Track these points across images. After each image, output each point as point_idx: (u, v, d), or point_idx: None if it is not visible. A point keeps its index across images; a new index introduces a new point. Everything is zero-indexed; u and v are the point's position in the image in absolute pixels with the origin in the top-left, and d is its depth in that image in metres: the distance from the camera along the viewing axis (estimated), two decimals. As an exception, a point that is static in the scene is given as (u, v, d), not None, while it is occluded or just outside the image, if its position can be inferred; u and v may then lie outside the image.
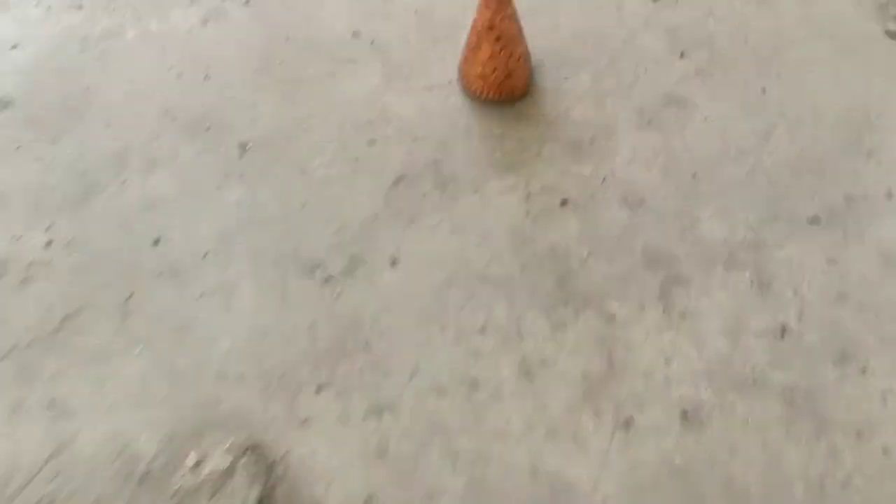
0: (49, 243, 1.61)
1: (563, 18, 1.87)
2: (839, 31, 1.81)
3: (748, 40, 1.81)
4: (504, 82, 1.69)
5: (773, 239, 1.60)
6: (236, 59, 1.88)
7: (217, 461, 1.34)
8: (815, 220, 1.62)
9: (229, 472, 1.32)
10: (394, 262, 1.63)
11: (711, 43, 1.81)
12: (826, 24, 1.82)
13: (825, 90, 1.75)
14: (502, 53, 1.61)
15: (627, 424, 1.40)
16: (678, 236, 1.62)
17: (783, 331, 1.52)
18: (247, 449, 1.36)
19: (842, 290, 1.55)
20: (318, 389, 1.44)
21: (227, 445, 1.36)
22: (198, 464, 1.33)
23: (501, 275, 1.60)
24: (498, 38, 1.58)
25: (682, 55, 1.80)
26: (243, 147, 1.76)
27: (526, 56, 1.72)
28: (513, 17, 1.58)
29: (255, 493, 1.30)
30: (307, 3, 1.94)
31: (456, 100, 1.78)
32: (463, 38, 1.85)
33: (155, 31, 1.94)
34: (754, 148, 1.69)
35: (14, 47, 1.91)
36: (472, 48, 1.64)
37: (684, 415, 1.41)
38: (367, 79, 1.83)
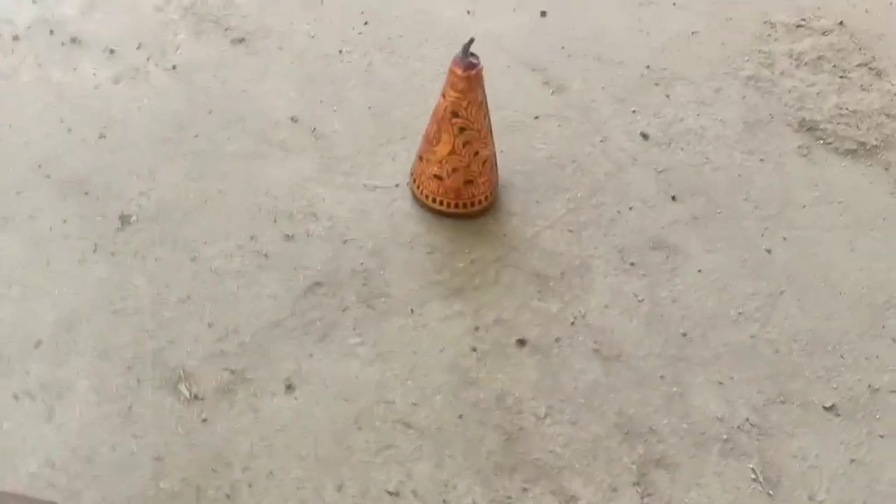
0: None
1: (539, 140, 1.83)
2: (854, 200, 1.80)
3: (749, 195, 1.77)
4: (463, 189, 1.58)
5: (781, 426, 1.43)
6: (143, 122, 1.76)
7: None
8: (833, 410, 1.46)
9: None
10: (289, 387, 1.39)
11: (708, 191, 1.77)
12: (838, 191, 1.81)
13: (840, 262, 1.68)
14: (465, 150, 1.53)
15: None
16: (663, 405, 1.43)
17: (795, 547, 1.29)
18: None
19: (870, 500, 1.35)
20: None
21: None
22: None
23: (430, 423, 1.37)
24: (462, 130, 1.49)
25: (673, 198, 1.75)
26: (125, 219, 1.58)
27: (492, 162, 1.64)
28: (482, 106, 1.51)
29: None
30: (245, 79, 1.88)
31: (402, 204, 1.66)
32: (418, 140, 1.77)
33: (55, 80, 1.84)
34: (758, 313, 1.57)
35: None
36: (430, 140, 1.55)
37: None
38: (298, 166, 1.71)
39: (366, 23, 2.06)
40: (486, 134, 1.58)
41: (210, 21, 2.00)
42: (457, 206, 1.61)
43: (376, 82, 1.92)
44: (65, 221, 1.57)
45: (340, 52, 1.97)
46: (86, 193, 1.62)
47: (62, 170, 1.65)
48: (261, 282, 1.51)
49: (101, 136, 1.73)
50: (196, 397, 1.35)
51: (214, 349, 1.41)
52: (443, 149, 1.53)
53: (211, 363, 1.40)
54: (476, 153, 1.54)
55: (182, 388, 1.36)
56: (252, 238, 1.57)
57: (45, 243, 1.54)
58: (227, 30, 1.99)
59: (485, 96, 1.55)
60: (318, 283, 1.52)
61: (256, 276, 1.52)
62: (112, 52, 1.91)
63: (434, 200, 1.61)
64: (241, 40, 1.97)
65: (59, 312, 1.43)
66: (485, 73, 1.96)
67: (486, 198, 1.64)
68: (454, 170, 1.55)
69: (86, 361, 1.37)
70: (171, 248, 1.54)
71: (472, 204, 1.62)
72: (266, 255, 1.55)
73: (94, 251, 1.53)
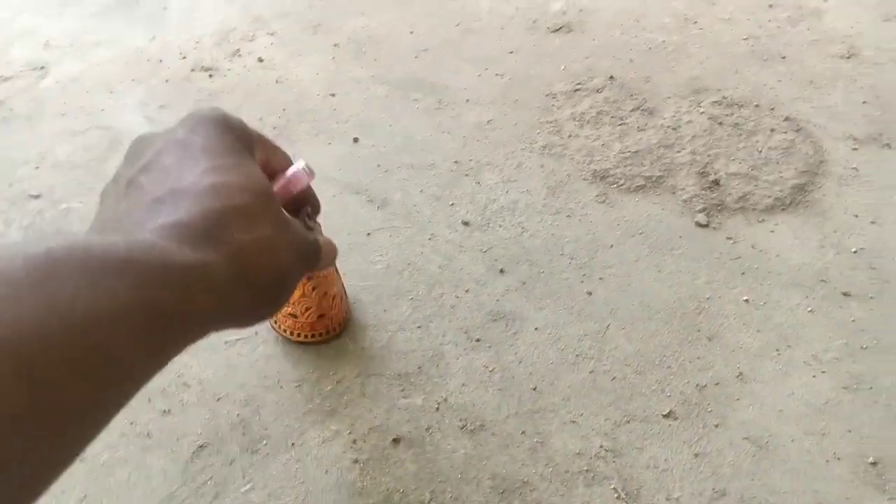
0: None
1: (375, 253, 2.07)
2: (652, 229, 2.10)
3: (564, 250, 2.05)
4: (317, 322, 1.79)
5: (630, 443, 1.66)
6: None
7: None
8: (671, 415, 1.70)
9: None
10: (194, 548, 1.53)
11: (528, 257, 2.04)
12: (637, 225, 2.11)
13: (651, 285, 1.96)
14: (315, 293, 1.74)
15: None
16: (528, 458, 1.64)
17: (664, 545, 1.51)
18: None
19: (717, 485, 1.59)
20: None
21: None
22: None
23: (329, 539, 1.53)
24: (309, 278, 1.71)
25: (501, 272, 2.00)
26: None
27: (341, 295, 1.85)
28: None
29: None
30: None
31: (264, 349, 1.85)
32: (269, 287, 1.99)
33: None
34: (591, 350, 1.82)
35: None
36: None
37: None
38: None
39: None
40: (331, 274, 1.80)
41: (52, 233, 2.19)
42: (313, 336, 1.82)
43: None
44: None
45: (179, 226, 2.19)
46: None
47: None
48: (148, 462, 1.66)
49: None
50: (111, 585, 1.49)
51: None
52: (295, 294, 1.75)
53: (118, 549, 1.54)
54: (325, 293, 1.76)
55: (96, 580, 1.49)
56: (132, 423, 1.73)
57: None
58: (69, 236, 2.18)
59: None
60: (201, 446, 1.69)
61: (143, 457, 1.67)
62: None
63: (292, 334, 1.82)
64: None
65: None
66: (313, 210, 2.22)
67: (339, 325, 1.85)
68: (307, 309, 1.77)
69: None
70: (58, 455, 1.68)
71: (328, 332, 1.84)
72: (148, 435, 1.71)
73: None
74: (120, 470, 1.65)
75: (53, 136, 2.52)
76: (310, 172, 0.62)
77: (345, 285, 1.92)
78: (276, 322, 1.85)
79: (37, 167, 2.40)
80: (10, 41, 2.97)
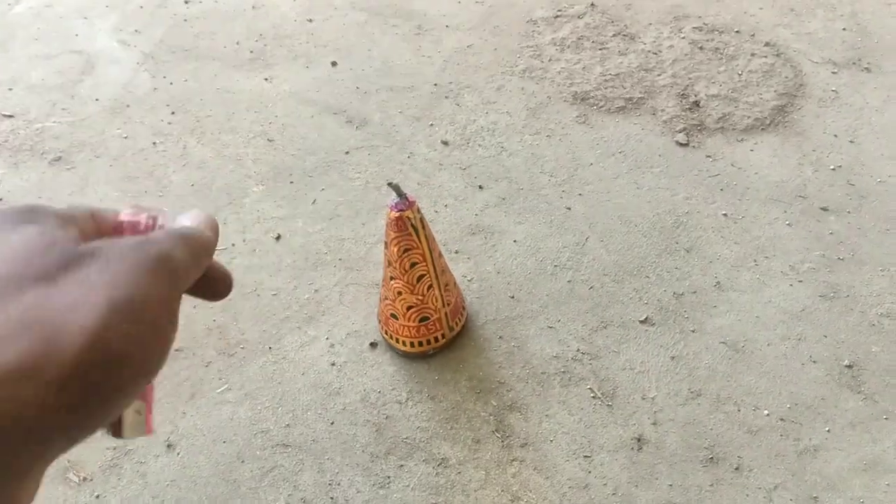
0: None
1: (353, 171, 2.05)
2: (631, 148, 2.09)
3: (543, 168, 2.04)
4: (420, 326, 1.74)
5: (607, 347, 1.66)
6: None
7: None
8: (647, 321, 1.70)
9: None
10: (169, 446, 1.53)
11: (508, 174, 2.02)
12: (617, 144, 2.10)
13: (630, 201, 1.95)
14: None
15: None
16: (506, 360, 1.64)
17: (640, 441, 1.52)
18: None
19: (693, 386, 1.60)
20: None
21: None
22: None
23: (306, 438, 1.54)
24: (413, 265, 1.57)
25: (480, 188, 1.99)
26: None
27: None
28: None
29: None
30: (68, 192, 2.02)
31: (241, 260, 1.84)
32: (245, 202, 1.96)
33: None
34: (570, 261, 1.82)
35: None
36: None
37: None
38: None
39: (173, 113, 2.25)
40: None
41: (25, 150, 2.14)
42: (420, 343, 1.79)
43: (193, 162, 2.10)
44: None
45: (154, 144, 2.15)
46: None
47: None
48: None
49: None
50: (85, 479, 1.48)
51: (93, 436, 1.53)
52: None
53: (92, 447, 1.53)
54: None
55: (70, 476, 1.48)
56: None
57: None
58: (42, 154, 2.13)
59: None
60: (177, 350, 1.67)
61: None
62: (-65, 203, 2.03)
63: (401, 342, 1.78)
64: (58, 159, 2.12)
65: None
66: (293, 126, 2.19)
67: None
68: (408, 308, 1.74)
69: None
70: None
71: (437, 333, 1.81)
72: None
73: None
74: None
75: (27, 59, 2.46)
76: (148, 218, 0.30)
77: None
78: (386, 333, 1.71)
79: (10, 89, 2.35)
80: (-21, -32, 2.89)
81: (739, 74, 2.32)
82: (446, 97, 2.28)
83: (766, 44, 2.44)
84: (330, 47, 2.48)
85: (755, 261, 1.84)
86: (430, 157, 2.09)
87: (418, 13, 2.60)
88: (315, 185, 2.03)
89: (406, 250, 1.50)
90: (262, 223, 1.93)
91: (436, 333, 1.62)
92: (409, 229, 1.48)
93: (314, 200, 1.99)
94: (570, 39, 2.43)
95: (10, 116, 2.25)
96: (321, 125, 2.21)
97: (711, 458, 1.51)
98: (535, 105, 2.23)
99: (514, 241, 1.88)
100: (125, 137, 2.18)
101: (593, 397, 1.59)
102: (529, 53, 2.40)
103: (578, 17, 2.52)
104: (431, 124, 2.19)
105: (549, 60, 2.36)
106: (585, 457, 1.50)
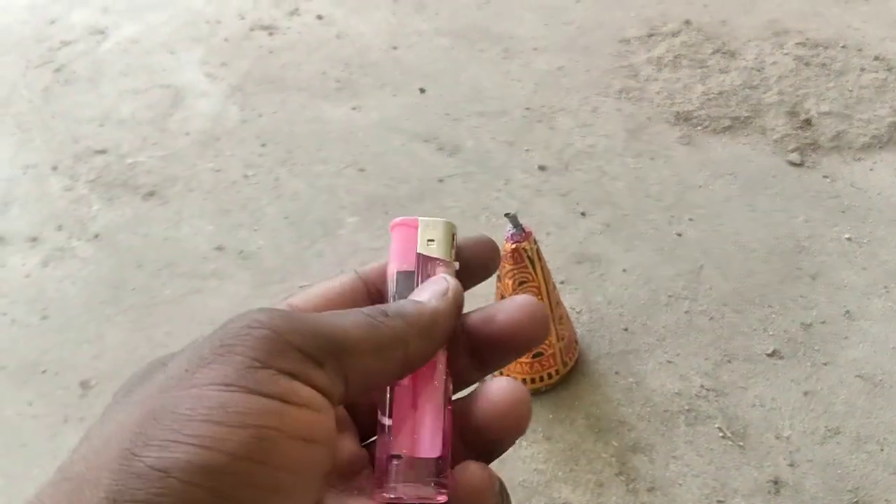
0: None
1: (448, 199, 2.02)
2: (742, 169, 2.01)
3: (649, 192, 1.97)
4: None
5: (733, 382, 1.58)
6: (80, 294, 1.90)
7: None
8: (775, 354, 1.62)
9: None
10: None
11: (611, 199, 1.96)
12: (726, 166, 2.02)
13: (745, 225, 1.87)
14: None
15: None
16: (623, 398, 1.57)
17: (776, 484, 1.43)
18: None
19: (830, 424, 1.50)
20: None
21: None
22: None
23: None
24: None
25: (583, 215, 1.93)
26: (85, 385, 1.70)
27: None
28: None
29: None
30: (164, 227, 2.04)
31: (340, 293, 1.81)
32: (340, 233, 1.95)
33: (-14, 282, 1.97)
34: (685, 291, 1.74)
35: None
36: None
37: None
38: (234, 290, 1.86)
39: (263, 144, 2.26)
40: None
41: (118, 185, 2.18)
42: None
43: (286, 194, 2.10)
44: (30, 404, 1.68)
45: (246, 176, 2.16)
46: (43, 372, 1.74)
47: (14, 359, 1.77)
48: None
49: (44, 318, 1.86)
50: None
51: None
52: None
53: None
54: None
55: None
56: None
57: (16, 430, 1.64)
58: (136, 188, 2.16)
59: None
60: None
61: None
62: (35, 239, 2.06)
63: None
64: (152, 194, 2.14)
65: (45, 488, 1.53)
66: (384, 155, 2.18)
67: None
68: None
69: (82, 525, 1.47)
70: (135, 398, 1.66)
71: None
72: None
73: (65, 422, 1.64)
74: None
75: (116, 95, 2.52)
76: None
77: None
78: None
79: (101, 125, 2.40)
80: (69, 6, 2.99)
81: (850, 90, 2.22)
82: (539, 121, 2.23)
83: (876, 58, 2.34)
84: (416, 74, 2.46)
85: (886, 287, 1.73)
86: (527, 184, 2.04)
87: (505, 36, 2.58)
88: (410, 214, 2.00)
89: (521, 283, 1.45)
90: (359, 255, 1.91)
91: (549, 370, 1.56)
92: (525, 261, 1.43)
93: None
94: (666, 58, 2.37)
95: (103, 152, 2.29)
96: (412, 153, 2.18)
97: (856, 501, 1.40)
98: (635, 126, 2.17)
99: (623, 269, 1.81)
100: (217, 171, 2.19)
101: (723, 437, 1.50)
102: (624, 73, 2.35)
103: (673, 35, 2.46)
104: (526, 149, 2.15)
105: (646, 80, 2.31)
106: (719, 501, 1.41)
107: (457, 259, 0.35)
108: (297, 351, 0.27)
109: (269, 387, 0.26)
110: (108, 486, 0.23)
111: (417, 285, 0.33)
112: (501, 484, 0.33)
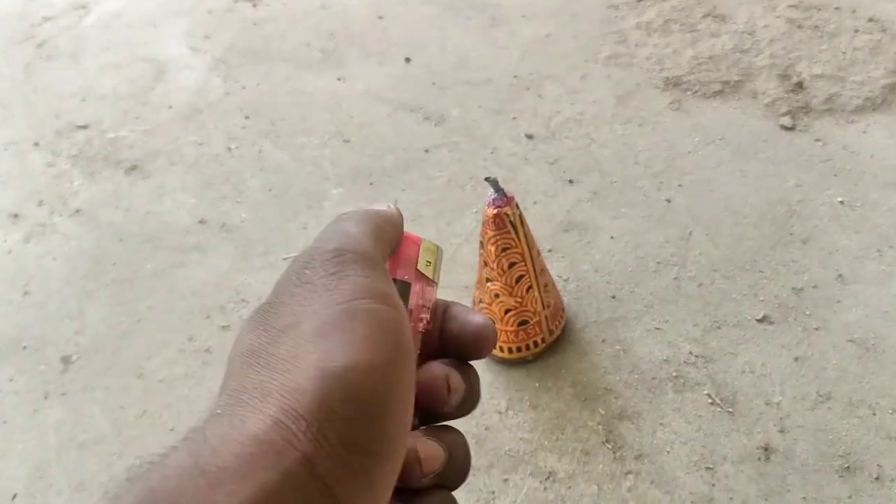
0: None
1: (434, 169, 1.98)
2: (733, 134, 1.97)
3: (637, 158, 1.93)
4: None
5: (723, 348, 1.55)
6: (61, 269, 1.87)
7: None
8: (766, 320, 1.58)
9: None
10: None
11: (599, 167, 1.92)
12: (717, 131, 1.98)
13: (736, 190, 1.83)
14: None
15: None
16: (610, 365, 1.54)
17: (767, 450, 1.40)
18: None
19: (821, 389, 1.47)
20: None
21: None
22: None
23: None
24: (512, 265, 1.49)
25: (570, 182, 1.89)
26: (66, 360, 1.67)
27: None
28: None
29: None
30: (146, 201, 2.00)
31: (323, 265, 1.77)
32: (325, 205, 1.91)
33: (-34, 260, 1.94)
34: (674, 257, 1.71)
35: None
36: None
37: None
38: (217, 263, 1.82)
39: (247, 117, 2.22)
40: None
41: (100, 160, 2.14)
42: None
43: (270, 166, 2.06)
44: (11, 380, 1.66)
45: (229, 149, 2.12)
46: (24, 348, 1.71)
47: (-5, 336, 1.75)
48: (209, 376, 1.60)
49: (26, 293, 1.83)
50: None
51: (182, 450, 1.49)
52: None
53: (182, 464, 1.48)
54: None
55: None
56: (190, 339, 1.67)
57: (-3, 407, 1.62)
58: (118, 163, 2.12)
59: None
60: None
61: (204, 372, 1.61)
62: (16, 216, 2.03)
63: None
64: (134, 168, 2.10)
65: (28, 464, 1.51)
66: (369, 125, 2.14)
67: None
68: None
69: (64, 499, 1.45)
70: (116, 374, 1.63)
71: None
72: (208, 350, 1.65)
73: (46, 398, 1.61)
74: (180, 386, 1.60)
75: (98, 70, 2.47)
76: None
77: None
78: None
79: (83, 100, 2.35)
80: (50, -18, 2.93)
81: (843, 52, 2.17)
82: (527, 89, 2.19)
83: (870, 19, 2.29)
84: (402, 43, 2.42)
85: (879, 251, 1.69)
86: (514, 152, 2.00)
87: (492, 4, 2.52)
88: (395, 185, 1.97)
89: (504, 249, 1.42)
90: (344, 226, 1.87)
91: (535, 338, 1.53)
92: (507, 227, 1.40)
93: (395, 201, 1.92)
94: (656, 23, 2.32)
95: (84, 127, 2.25)
96: (398, 123, 2.14)
97: (847, 467, 1.38)
98: (624, 93, 2.12)
99: (611, 237, 1.77)
100: (200, 144, 2.15)
101: (711, 403, 1.47)
102: (613, 39, 2.30)
103: (663, -1, 2.41)
104: (514, 118, 2.10)
105: (636, 46, 2.25)
106: (707, 469, 1.39)
107: (446, 329, 0.40)
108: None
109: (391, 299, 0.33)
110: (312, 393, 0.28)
111: (412, 295, 0.38)
112: (464, 443, 0.38)
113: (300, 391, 0.28)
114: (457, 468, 0.37)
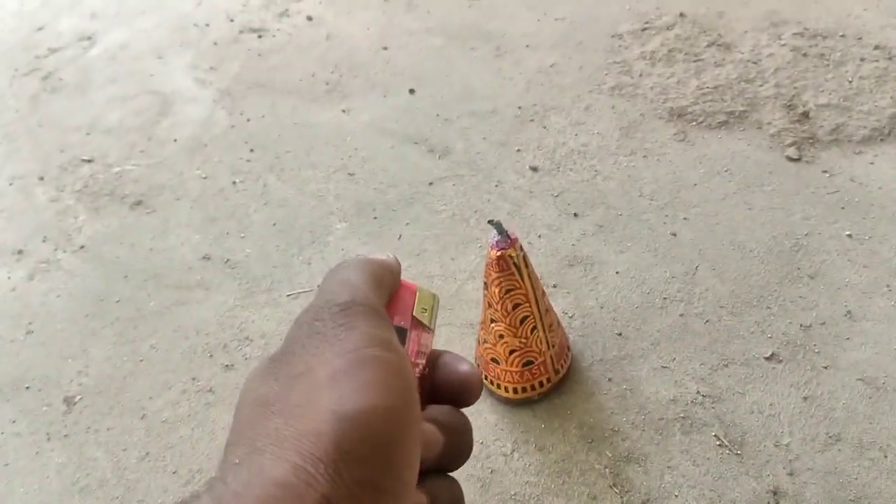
0: None
1: (438, 203, 1.97)
2: (738, 166, 1.95)
3: (643, 191, 1.92)
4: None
5: (730, 388, 1.53)
6: (65, 307, 1.86)
7: None
8: (773, 358, 1.56)
9: None
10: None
11: (604, 199, 1.91)
12: (722, 162, 1.97)
13: (742, 223, 1.82)
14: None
15: None
16: (617, 406, 1.52)
17: (776, 494, 1.38)
18: None
19: (831, 430, 1.45)
20: None
21: None
22: None
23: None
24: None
25: (575, 215, 1.88)
26: (69, 401, 1.66)
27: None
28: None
29: None
30: (150, 237, 1.99)
31: (327, 302, 1.76)
32: (329, 240, 1.91)
33: (-29, 297, 1.93)
34: (680, 293, 1.69)
35: None
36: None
37: None
38: (220, 300, 1.81)
39: (252, 150, 2.22)
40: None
41: (104, 195, 2.14)
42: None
43: (274, 200, 2.05)
44: (13, 422, 1.65)
45: (234, 183, 2.12)
46: (27, 388, 1.70)
47: (-2, 376, 1.74)
48: (212, 417, 1.59)
49: (28, 332, 1.82)
50: (178, 544, 1.41)
51: (184, 493, 1.47)
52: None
53: (184, 508, 1.47)
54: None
55: None
56: (194, 379, 1.66)
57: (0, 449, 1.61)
58: (122, 198, 2.12)
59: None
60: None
61: (207, 413, 1.60)
62: (20, 252, 2.03)
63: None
64: (139, 203, 2.10)
65: (29, 508, 1.50)
66: (373, 158, 2.13)
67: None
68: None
69: (64, 546, 1.43)
70: (119, 415, 1.62)
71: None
72: (211, 391, 1.64)
73: (48, 440, 1.60)
74: (182, 427, 1.58)
75: (104, 102, 2.48)
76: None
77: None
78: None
79: (88, 133, 2.36)
80: (57, 13, 2.95)
81: (850, 81, 2.16)
82: (531, 120, 2.18)
83: (876, 47, 2.27)
84: (407, 75, 2.41)
85: (888, 286, 1.67)
86: (518, 185, 1.99)
87: (496, 34, 2.52)
88: (399, 219, 1.96)
89: (508, 291, 1.40)
90: (347, 262, 1.86)
91: (541, 378, 1.52)
92: (511, 269, 1.38)
93: (399, 236, 1.91)
94: (660, 52, 2.31)
95: (90, 161, 2.25)
96: (402, 156, 2.14)
97: (860, 513, 1.35)
98: (628, 124, 2.11)
99: (617, 272, 1.76)
100: (204, 178, 2.15)
101: (720, 445, 1.45)
102: (618, 69, 2.29)
103: (667, 28, 2.40)
104: (518, 150, 2.09)
105: (640, 76, 2.25)
106: (716, 514, 1.36)
107: (443, 375, 0.41)
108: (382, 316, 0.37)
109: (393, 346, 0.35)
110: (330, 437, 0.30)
111: (409, 341, 0.40)
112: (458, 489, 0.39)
113: (316, 434, 0.30)
114: None
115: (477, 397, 0.41)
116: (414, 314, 0.40)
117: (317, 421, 0.30)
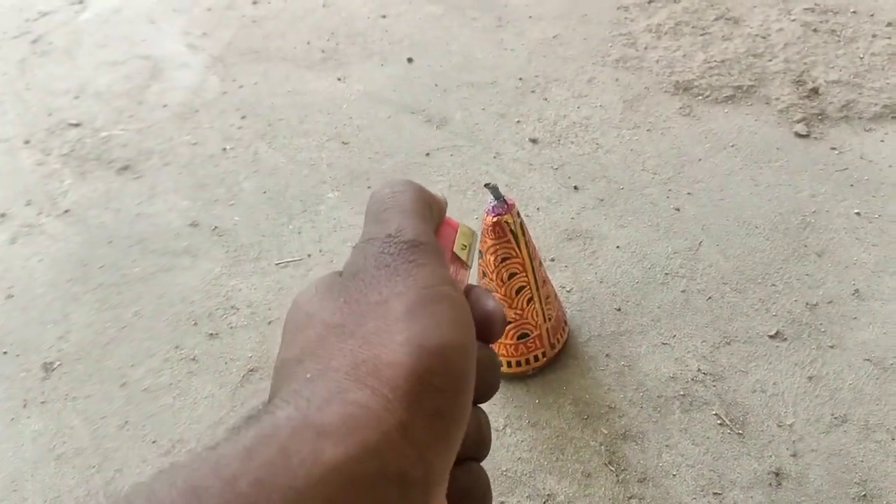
0: None
1: (436, 173, 1.92)
2: (745, 141, 1.89)
3: (645, 165, 1.86)
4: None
5: (733, 366, 1.47)
6: (47, 272, 1.80)
7: None
8: (778, 336, 1.51)
9: None
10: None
11: (605, 173, 1.85)
12: (728, 137, 1.90)
13: (748, 200, 1.76)
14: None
15: None
16: (614, 382, 1.47)
17: (778, 475, 1.32)
18: None
19: (836, 411, 1.39)
20: None
21: None
22: None
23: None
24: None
25: (575, 188, 1.82)
26: (48, 367, 1.60)
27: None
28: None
29: None
30: (137, 203, 1.93)
31: (318, 271, 1.71)
32: (320, 209, 1.85)
33: (-50, 260, 1.87)
34: (682, 269, 1.63)
35: None
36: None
37: None
38: (207, 267, 1.75)
39: (244, 117, 2.15)
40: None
41: (92, 160, 2.07)
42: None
43: (265, 168, 1.99)
44: (-11, 388, 1.60)
45: (224, 150, 2.06)
46: (4, 353, 1.64)
47: (-25, 340, 1.68)
48: (195, 387, 1.53)
49: (9, 297, 1.76)
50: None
51: (163, 464, 1.42)
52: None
53: (163, 479, 1.42)
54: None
55: (139, 511, 1.37)
56: (177, 348, 1.60)
57: (-26, 415, 1.56)
58: (109, 163, 2.06)
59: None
60: (252, 370, 1.55)
61: (189, 382, 1.54)
62: (3, 215, 1.97)
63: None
64: (126, 168, 2.04)
65: (2, 476, 1.44)
66: (369, 127, 2.07)
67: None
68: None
69: (37, 515, 1.38)
70: (98, 382, 1.56)
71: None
72: (195, 359, 1.58)
73: (25, 406, 1.55)
74: (164, 395, 1.53)
75: (93, 66, 2.41)
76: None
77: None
78: None
79: (77, 97, 2.29)
80: (48, -23, 2.88)
81: (861, 58, 2.09)
82: (532, 92, 2.11)
83: (889, 24, 2.21)
84: (405, 43, 2.35)
85: (898, 265, 1.62)
86: (518, 157, 1.93)
87: (499, 4, 2.45)
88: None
89: (504, 259, 1.35)
90: (340, 232, 1.80)
91: (536, 352, 1.46)
92: (507, 236, 1.32)
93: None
94: (667, 25, 2.24)
95: (77, 125, 2.19)
96: (399, 126, 2.07)
97: (864, 494, 1.30)
98: (632, 97, 2.05)
99: (617, 246, 1.70)
100: (194, 144, 2.09)
101: (720, 424, 1.39)
102: (622, 42, 2.22)
103: (675, 1, 2.33)
104: (518, 121, 2.03)
105: (645, 48, 2.18)
106: (715, 494, 1.31)
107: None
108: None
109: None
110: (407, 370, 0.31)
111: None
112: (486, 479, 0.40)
113: (395, 364, 0.31)
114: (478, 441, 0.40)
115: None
116: (454, 251, 0.41)
117: (395, 352, 0.31)
